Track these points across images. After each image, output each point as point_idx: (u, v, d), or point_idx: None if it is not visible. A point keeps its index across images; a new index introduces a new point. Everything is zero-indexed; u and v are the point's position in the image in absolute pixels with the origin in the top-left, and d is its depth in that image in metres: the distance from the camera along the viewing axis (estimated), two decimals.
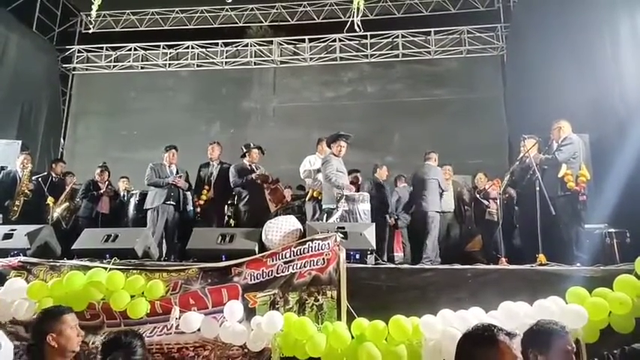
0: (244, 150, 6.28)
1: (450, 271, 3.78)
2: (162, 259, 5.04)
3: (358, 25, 4.17)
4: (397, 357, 3.04)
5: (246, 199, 6.04)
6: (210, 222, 6.16)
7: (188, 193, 6.58)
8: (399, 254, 6.94)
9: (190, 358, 3.43)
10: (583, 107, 5.96)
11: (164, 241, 5.90)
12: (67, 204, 6.75)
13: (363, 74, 10.79)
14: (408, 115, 10.13)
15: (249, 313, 3.42)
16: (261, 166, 6.30)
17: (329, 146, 5.57)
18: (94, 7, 5.55)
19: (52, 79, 10.91)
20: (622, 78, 5.53)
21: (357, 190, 6.30)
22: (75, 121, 11.29)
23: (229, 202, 6.59)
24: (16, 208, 6.08)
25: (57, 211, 6.54)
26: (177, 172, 6.10)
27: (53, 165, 7.17)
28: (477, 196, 6.15)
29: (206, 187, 6.24)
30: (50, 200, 6.45)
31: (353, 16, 4.17)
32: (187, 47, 11.19)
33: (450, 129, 9.64)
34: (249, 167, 6.15)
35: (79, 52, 11.46)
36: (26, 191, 6.21)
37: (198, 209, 6.34)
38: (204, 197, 6.22)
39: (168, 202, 5.92)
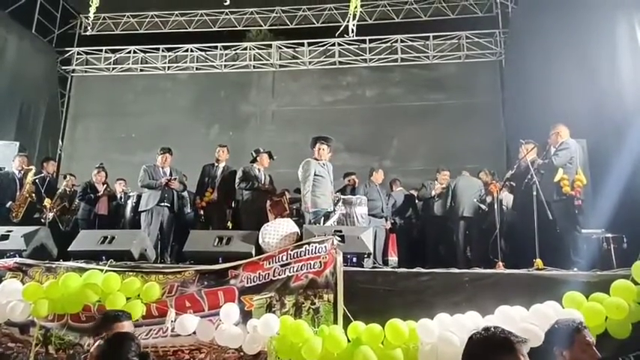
0: (254, 155, 6.29)
1: (447, 276, 3.77)
2: (158, 261, 5.02)
3: (352, 30, 4.19)
4: None
5: (247, 202, 6.05)
6: (211, 224, 6.15)
7: (185, 195, 6.56)
8: (393, 258, 6.93)
9: None
10: (581, 112, 5.98)
11: (159, 243, 5.87)
12: (62, 205, 6.75)
13: (362, 78, 10.81)
14: (407, 120, 10.17)
15: (246, 316, 3.40)
16: (270, 173, 6.33)
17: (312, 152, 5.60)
18: (92, 9, 5.56)
19: (51, 81, 10.92)
20: (620, 83, 5.55)
21: (353, 193, 6.32)
22: (73, 123, 11.28)
23: (232, 206, 6.58)
24: (20, 210, 6.10)
25: (52, 212, 6.52)
26: (170, 174, 6.08)
27: (44, 164, 7.13)
28: (474, 200, 6.15)
29: (209, 189, 6.24)
30: (47, 202, 6.43)
31: (348, 21, 4.19)
32: (187, 50, 11.21)
33: (448, 134, 9.67)
34: (257, 172, 6.16)
35: (78, 54, 11.47)
36: (32, 194, 6.23)
37: (201, 211, 6.32)
38: (206, 199, 6.22)
39: (163, 204, 5.88)
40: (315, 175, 5.25)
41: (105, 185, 6.98)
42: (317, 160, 5.40)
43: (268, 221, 5.57)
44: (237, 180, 6.12)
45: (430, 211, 6.97)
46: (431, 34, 10.60)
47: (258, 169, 6.23)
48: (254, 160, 6.31)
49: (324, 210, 5.22)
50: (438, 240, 6.89)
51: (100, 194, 6.81)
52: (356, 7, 4.59)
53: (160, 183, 5.90)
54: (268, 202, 5.86)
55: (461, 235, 6.23)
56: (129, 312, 2.95)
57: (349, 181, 7.15)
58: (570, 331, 2.41)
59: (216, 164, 6.44)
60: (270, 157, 6.36)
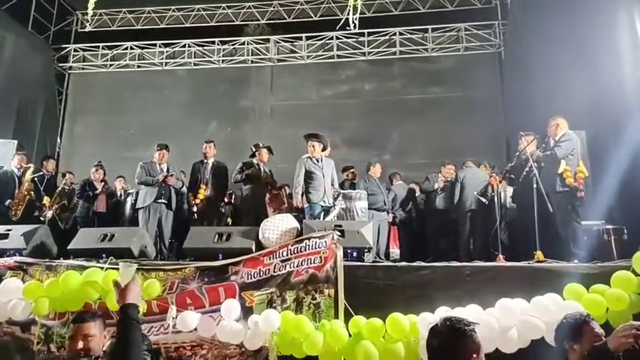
0: (253, 149, 6.27)
1: (448, 269, 3.77)
2: (157, 258, 5.02)
3: (354, 23, 4.15)
4: (394, 355, 3.03)
5: (246, 198, 6.04)
6: (207, 221, 6.14)
7: (184, 191, 6.55)
8: (395, 250, 6.95)
9: (188, 357, 3.43)
10: (581, 104, 5.95)
11: (158, 239, 5.87)
12: (62, 203, 6.74)
13: (361, 72, 10.75)
14: (406, 113, 10.11)
15: (247, 311, 3.40)
16: (269, 168, 6.32)
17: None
18: (90, 5, 5.52)
19: (48, 79, 10.87)
20: (620, 75, 5.51)
21: (353, 187, 6.32)
22: (71, 120, 11.24)
23: (226, 201, 6.56)
24: (19, 208, 6.09)
25: (51, 210, 6.51)
26: (167, 171, 6.06)
27: (44, 162, 7.10)
28: (475, 193, 6.14)
29: (203, 185, 6.21)
30: (46, 200, 6.42)
31: (349, 14, 4.15)
32: (184, 46, 11.15)
33: (447, 126, 9.64)
34: (256, 166, 6.16)
35: (75, 51, 11.41)
36: (31, 192, 6.22)
37: (195, 208, 6.31)
38: (200, 196, 6.20)
39: (160, 201, 5.87)
40: (306, 171, 5.29)
41: (103, 183, 6.97)
42: (310, 157, 5.42)
43: (267, 215, 5.61)
44: (235, 171, 6.12)
45: (432, 205, 6.96)
46: (430, 27, 10.53)
47: (257, 164, 6.22)
48: (253, 155, 6.30)
49: (318, 204, 5.24)
50: (440, 233, 6.88)
51: (98, 192, 6.80)
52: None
53: (156, 180, 5.89)
54: (267, 195, 5.86)
55: (466, 228, 6.21)
56: (96, 311, 2.89)
57: (347, 175, 7.15)
58: (578, 324, 2.42)
59: (205, 160, 6.40)
60: (270, 152, 6.35)
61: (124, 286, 2.02)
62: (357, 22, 4.50)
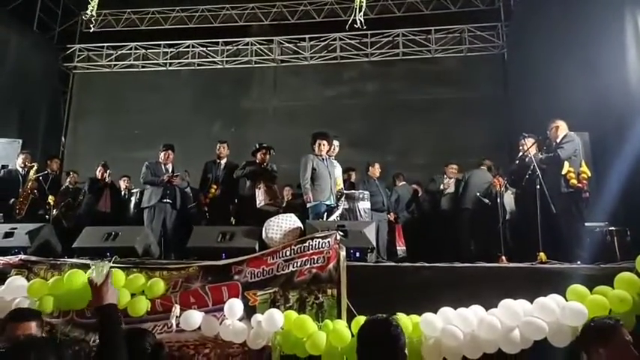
0: (257, 147, 6.32)
1: (451, 269, 3.77)
2: (161, 257, 5.05)
3: (360, 22, 4.15)
4: None
5: (248, 195, 6.07)
6: (215, 220, 6.16)
7: (188, 191, 6.58)
8: (401, 248, 6.94)
9: (191, 356, 3.43)
10: (584, 105, 5.94)
11: (162, 239, 5.89)
12: (67, 200, 6.77)
13: (364, 73, 10.78)
14: (409, 114, 10.13)
15: (250, 311, 3.41)
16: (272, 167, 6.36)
17: (312, 148, 5.62)
18: (91, 6, 5.55)
19: (53, 78, 10.94)
20: (624, 75, 5.50)
21: (353, 188, 6.34)
22: (76, 120, 11.31)
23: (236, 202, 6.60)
24: (22, 207, 6.12)
25: (57, 208, 6.54)
26: (172, 171, 6.09)
27: (48, 162, 7.13)
28: (477, 194, 6.14)
29: (214, 185, 6.25)
30: (51, 199, 6.46)
31: (355, 14, 4.15)
32: (188, 46, 11.20)
33: (450, 128, 9.65)
34: (259, 165, 6.20)
35: (79, 51, 11.47)
36: (35, 191, 6.25)
37: (206, 207, 6.33)
38: (211, 195, 6.23)
39: (165, 201, 5.90)
40: (313, 169, 5.29)
41: (109, 180, 6.99)
42: (317, 155, 5.43)
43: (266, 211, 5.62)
44: (237, 169, 6.17)
45: (436, 206, 6.96)
46: (433, 28, 10.55)
47: (260, 163, 6.24)
48: (254, 154, 6.32)
49: (323, 203, 5.24)
50: (443, 234, 6.87)
51: (105, 183, 6.82)
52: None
53: (162, 180, 5.92)
54: (262, 183, 5.86)
55: (469, 229, 6.21)
56: (35, 311, 2.68)
57: (346, 176, 7.14)
58: (608, 328, 2.39)
59: (218, 161, 6.45)
60: (269, 151, 6.36)
61: (98, 286, 1.94)
62: (362, 21, 4.49)
